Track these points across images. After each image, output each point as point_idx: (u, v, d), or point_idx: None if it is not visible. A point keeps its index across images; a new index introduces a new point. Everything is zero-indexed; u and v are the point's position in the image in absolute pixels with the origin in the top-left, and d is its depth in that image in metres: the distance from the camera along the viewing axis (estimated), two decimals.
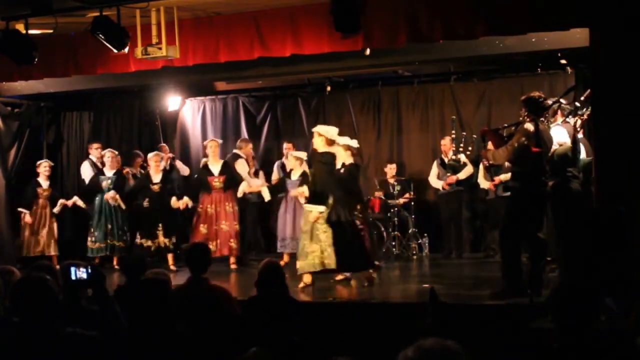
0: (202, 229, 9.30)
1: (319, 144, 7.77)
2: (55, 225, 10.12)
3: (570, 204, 6.85)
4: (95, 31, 6.70)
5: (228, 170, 9.48)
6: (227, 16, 7.55)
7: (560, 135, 7.05)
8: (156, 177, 9.55)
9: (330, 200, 7.60)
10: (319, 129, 7.92)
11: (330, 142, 7.77)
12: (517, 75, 10.31)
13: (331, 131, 7.85)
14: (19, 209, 10.03)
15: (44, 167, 10.13)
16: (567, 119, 7.23)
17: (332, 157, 7.82)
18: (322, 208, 7.56)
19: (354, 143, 8.37)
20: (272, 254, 8.98)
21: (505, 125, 7.01)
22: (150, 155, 9.77)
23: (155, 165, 9.59)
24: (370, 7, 6.54)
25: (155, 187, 9.44)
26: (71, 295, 3.89)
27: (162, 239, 9.36)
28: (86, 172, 10.32)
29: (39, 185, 10.09)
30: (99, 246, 9.76)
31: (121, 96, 11.41)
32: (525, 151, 6.49)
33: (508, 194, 7.77)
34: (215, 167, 9.45)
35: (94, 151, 10.43)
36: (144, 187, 9.58)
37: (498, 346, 4.98)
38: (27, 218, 9.95)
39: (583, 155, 7.16)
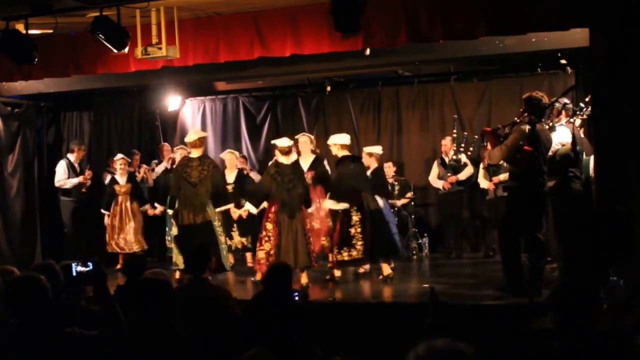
0: None
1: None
2: (140, 220, 9.79)
3: (571, 204, 6.85)
4: (95, 31, 6.70)
5: (319, 166, 8.55)
6: (227, 16, 7.55)
7: (563, 135, 7.05)
8: (230, 177, 9.37)
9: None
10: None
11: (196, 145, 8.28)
12: (517, 75, 10.31)
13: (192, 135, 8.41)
14: (102, 210, 9.90)
15: (120, 164, 9.85)
16: (571, 119, 7.24)
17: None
18: None
19: (281, 142, 8.26)
20: None
21: (502, 125, 7.01)
22: (223, 153, 9.71)
23: (230, 164, 9.45)
24: (370, 7, 6.53)
25: (229, 187, 9.16)
26: (73, 293, 3.89)
27: (238, 239, 9.25)
28: (60, 171, 10.02)
29: (116, 182, 9.85)
30: None
31: (121, 96, 11.39)
32: (521, 151, 6.50)
33: (506, 194, 7.78)
34: (305, 162, 8.54)
35: (75, 153, 10.19)
36: None
37: (498, 346, 4.97)
38: (106, 220, 9.78)
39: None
